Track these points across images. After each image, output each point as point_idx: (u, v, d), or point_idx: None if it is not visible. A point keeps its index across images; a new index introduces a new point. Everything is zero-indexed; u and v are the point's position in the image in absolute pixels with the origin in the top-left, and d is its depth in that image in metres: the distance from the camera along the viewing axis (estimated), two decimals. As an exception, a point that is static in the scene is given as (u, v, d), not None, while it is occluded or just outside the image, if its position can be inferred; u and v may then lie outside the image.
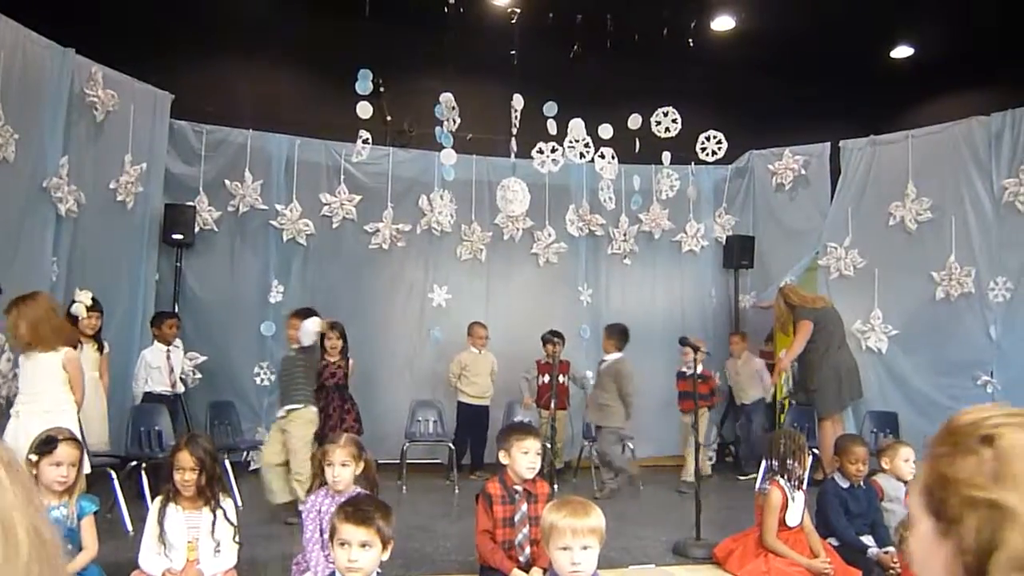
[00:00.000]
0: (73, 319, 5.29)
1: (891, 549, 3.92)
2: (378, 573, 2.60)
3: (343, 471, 3.38)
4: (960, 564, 0.83)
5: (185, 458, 3.21)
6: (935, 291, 7.06)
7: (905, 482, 4.15)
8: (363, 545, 2.51)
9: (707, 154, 6.81)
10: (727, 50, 8.27)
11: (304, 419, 5.31)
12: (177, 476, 3.20)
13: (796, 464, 3.98)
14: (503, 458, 3.63)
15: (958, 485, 0.85)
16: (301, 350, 5.47)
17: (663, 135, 6.58)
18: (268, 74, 7.94)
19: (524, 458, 3.56)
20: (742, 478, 7.23)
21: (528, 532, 3.52)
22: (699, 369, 6.11)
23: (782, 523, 3.93)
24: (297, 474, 5.03)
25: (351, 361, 6.52)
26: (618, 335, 6.68)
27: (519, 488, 3.60)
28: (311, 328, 5.40)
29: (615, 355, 6.58)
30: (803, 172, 8.13)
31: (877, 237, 7.46)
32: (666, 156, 6.86)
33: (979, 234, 6.94)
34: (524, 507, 3.57)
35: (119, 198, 6.47)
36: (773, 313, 7.44)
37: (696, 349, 4.94)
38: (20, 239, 5.52)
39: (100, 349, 5.47)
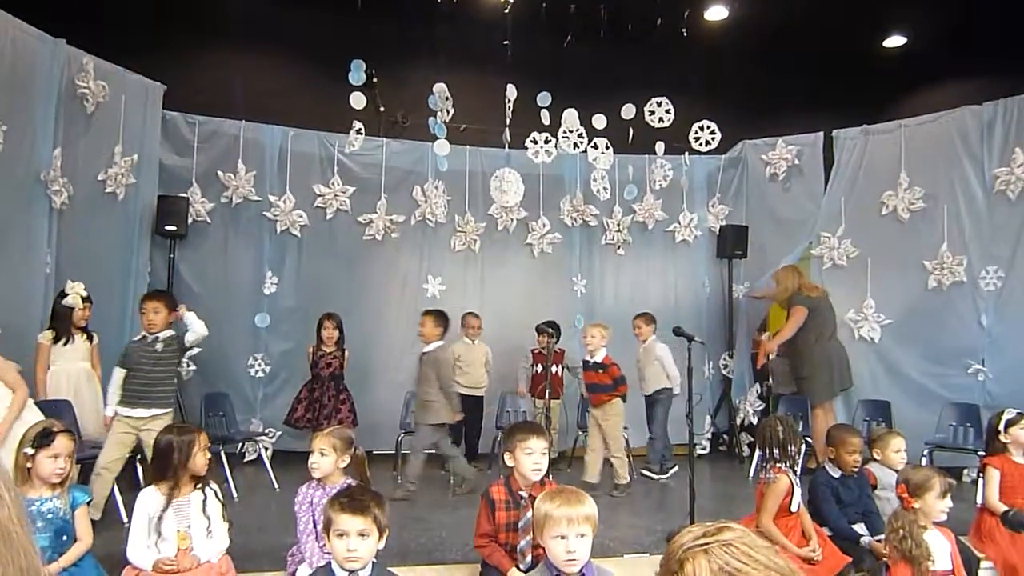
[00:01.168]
0: (67, 310, 5.29)
1: (883, 537, 3.94)
2: (374, 562, 2.62)
3: (322, 459, 3.43)
4: None
5: (205, 438, 3.36)
6: (927, 280, 7.09)
7: (897, 471, 4.16)
8: (361, 534, 2.53)
9: (701, 144, 6.81)
10: (720, 40, 8.26)
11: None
12: (201, 456, 3.31)
13: (795, 449, 4.00)
14: (508, 460, 3.46)
15: None
16: (169, 340, 4.91)
17: (657, 125, 6.57)
18: (261, 64, 7.90)
19: (528, 459, 3.38)
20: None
21: (532, 539, 3.24)
22: (600, 358, 6.04)
23: (785, 509, 3.94)
24: None
25: (346, 352, 6.53)
26: (435, 318, 5.99)
27: (524, 494, 3.42)
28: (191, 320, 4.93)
29: (436, 343, 5.96)
30: (796, 162, 8.15)
31: (870, 226, 7.48)
32: (660, 146, 6.86)
33: (971, 223, 6.96)
34: (529, 514, 3.28)
35: (109, 189, 6.43)
36: (773, 289, 7.46)
37: (691, 339, 4.95)
38: (11, 232, 5.50)
39: (90, 339, 5.46)
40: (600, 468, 6.08)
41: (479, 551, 3.48)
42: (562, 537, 2.53)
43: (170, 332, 4.92)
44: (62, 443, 3.15)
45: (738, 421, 7.97)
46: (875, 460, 4.40)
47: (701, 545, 0.91)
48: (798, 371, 7.10)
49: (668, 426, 6.87)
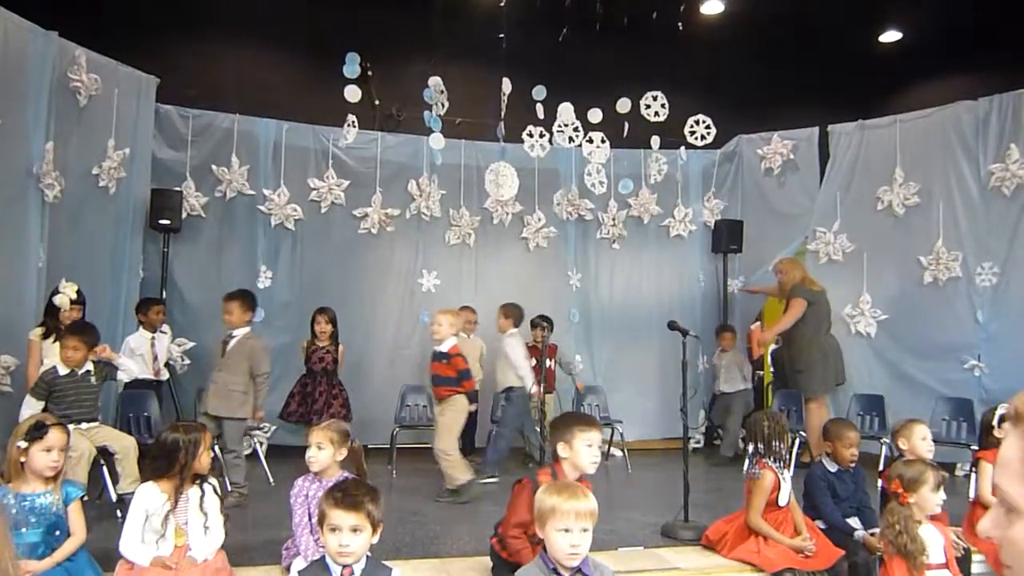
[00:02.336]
0: (55, 309, 5.27)
1: (877, 531, 3.95)
2: (368, 556, 2.61)
3: (318, 453, 3.43)
4: None
5: (209, 437, 3.34)
6: (923, 276, 7.10)
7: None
8: (354, 530, 2.52)
9: (696, 138, 6.80)
10: (717, 34, 8.26)
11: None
12: (206, 456, 3.28)
13: (781, 445, 4.01)
14: (562, 451, 3.27)
15: None
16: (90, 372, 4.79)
17: (652, 119, 6.56)
18: (255, 58, 7.86)
19: (589, 451, 3.25)
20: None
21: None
22: (446, 347, 5.59)
23: (773, 504, 3.96)
24: None
25: (341, 347, 6.52)
26: (242, 299, 5.49)
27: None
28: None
29: (243, 329, 5.43)
30: (791, 157, 8.16)
31: (866, 222, 7.49)
32: (655, 140, 6.85)
33: (966, 219, 6.97)
34: None
35: (102, 183, 6.40)
36: (772, 285, 7.47)
37: (685, 333, 4.95)
38: (4, 225, 5.47)
39: None
40: (464, 462, 5.62)
41: (511, 541, 3.25)
42: (566, 531, 2.54)
43: (89, 366, 4.81)
44: (55, 436, 3.13)
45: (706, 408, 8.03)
46: (900, 450, 4.32)
47: None
48: (794, 365, 7.10)
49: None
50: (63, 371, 4.71)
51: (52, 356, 5.19)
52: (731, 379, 7.67)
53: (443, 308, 6.02)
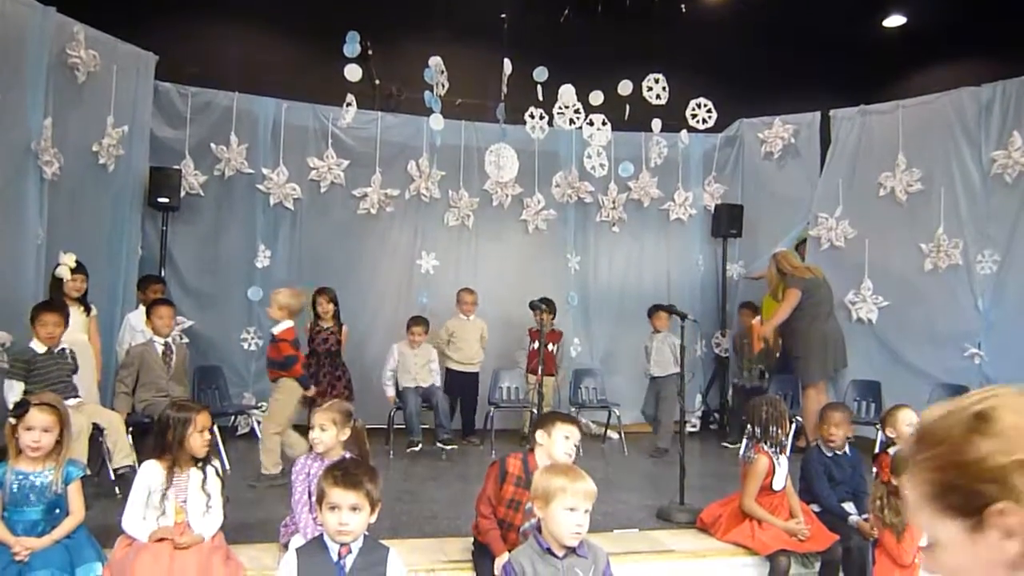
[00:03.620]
0: (59, 283, 5.25)
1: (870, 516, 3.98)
2: (365, 536, 2.63)
3: (322, 434, 3.44)
4: (1012, 548, 0.80)
5: (206, 418, 3.27)
6: (924, 263, 7.09)
7: None
8: (353, 508, 2.54)
9: (698, 122, 6.77)
10: (719, 17, 8.20)
11: None
12: (198, 437, 3.23)
13: (778, 430, 4.02)
14: (540, 438, 3.42)
15: (976, 467, 0.82)
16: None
17: (654, 102, 6.53)
18: (254, 35, 7.80)
19: (564, 443, 3.38)
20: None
21: (537, 523, 3.05)
22: (277, 330, 5.37)
23: (768, 488, 3.99)
24: None
25: (345, 328, 6.52)
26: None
27: None
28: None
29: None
30: (792, 141, 8.13)
31: (868, 207, 7.47)
32: (656, 123, 6.82)
33: (967, 206, 6.96)
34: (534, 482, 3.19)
35: (101, 161, 6.37)
36: (766, 279, 7.46)
37: (683, 317, 4.96)
38: (3, 203, 5.45)
39: (87, 311, 5.42)
40: (279, 454, 5.29)
41: (481, 521, 3.42)
42: (572, 510, 2.59)
43: (64, 344, 4.77)
44: (36, 417, 3.10)
45: (729, 400, 8.00)
46: (888, 436, 4.35)
47: (1002, 392, 0.86)
48: (792, 351, 7.11)
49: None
50: (40, 349, 4.62)
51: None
52: (662, 362, 7.08)
53: (280, 288, 5.73)
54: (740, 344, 7.89)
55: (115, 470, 4.68)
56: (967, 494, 0.83)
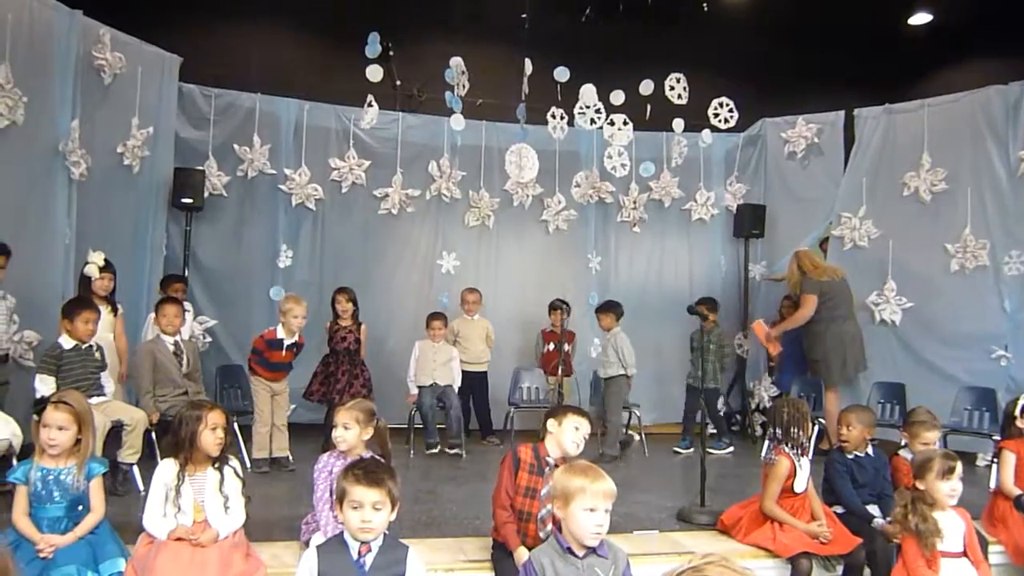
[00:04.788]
0: (87, 281, 5.32)
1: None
2: (385, 534, 2.64)
3: (345, 433, 3.47)
4: None
5: (218, 416, 3.26)
6: (950, 264, 6.99)
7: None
8: (375, 506, 2.55)
9: (720, 121, 6.72)
10: (742, 16, 8.14)
11: None
12: (210, 434, 3.23)
13: (800, 432, 3.98)
14: (551, 427, 3.49)
15: None
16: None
17: (676, 102, 6.49)
18: (277, 37, 7.87)
19: (574, 433, 3.44)
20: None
21: (553, 508, 2.99)
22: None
23: (789, 490, 3.95)
24: None
25: (363, 327, 6.55)
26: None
27: (551, 460, 3.45)
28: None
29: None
30: (816, 140, 8.04)
31: (892, 207, 7.37)
32: (678, 123, 6.78)
33: (994, 206, 6.84)
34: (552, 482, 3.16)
35: (126, 162, 6.45)
36: (787, 279, 7.38)
37: (705, 317, 4.93)
38: (32, 203, 5.53)
39: (114, 311, 5.47)
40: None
41: (498, 513, 3.43)
42: (592, 510, 2.58)
43: (92, 341, 4.82)
44: (52, 415, 3.15)
45: (752, 403, 7.93)
46: (903, 445, 4.33)
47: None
48: (810, 353, 7.03)
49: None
50: (68, 345, 4.68)
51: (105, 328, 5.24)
52: (609, 363, 6.72)
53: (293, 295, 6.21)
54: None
55: (118, 462, 4.72)
56: None
